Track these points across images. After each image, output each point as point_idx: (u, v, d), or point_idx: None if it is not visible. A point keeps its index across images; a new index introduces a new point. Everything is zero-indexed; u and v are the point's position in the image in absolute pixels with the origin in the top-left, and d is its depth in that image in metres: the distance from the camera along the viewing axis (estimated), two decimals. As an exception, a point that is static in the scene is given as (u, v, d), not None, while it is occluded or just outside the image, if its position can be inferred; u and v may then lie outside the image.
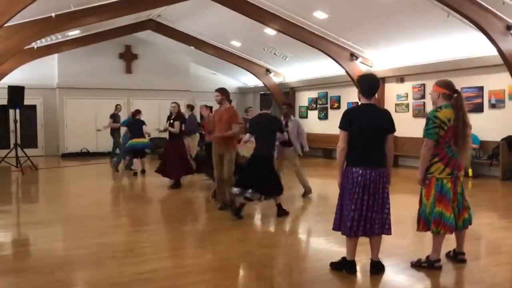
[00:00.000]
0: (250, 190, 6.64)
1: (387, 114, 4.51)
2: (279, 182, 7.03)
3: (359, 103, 4.52)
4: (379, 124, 4.37)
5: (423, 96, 13.23)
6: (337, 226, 4.49)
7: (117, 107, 15.70)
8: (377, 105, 4.58)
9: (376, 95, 4.56)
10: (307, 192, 8.60)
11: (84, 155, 18.05)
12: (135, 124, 12.32)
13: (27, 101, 14.40)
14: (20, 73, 15.80)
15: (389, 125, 4.43)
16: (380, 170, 4.33)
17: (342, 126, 4.40)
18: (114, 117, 15.29)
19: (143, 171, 12.29)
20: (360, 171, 4.29)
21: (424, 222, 4.57)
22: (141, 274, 4.48)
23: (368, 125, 4.33)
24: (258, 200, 6.86)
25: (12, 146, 13.73)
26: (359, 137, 4.33)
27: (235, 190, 6.77)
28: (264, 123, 7.01)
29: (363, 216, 4.28)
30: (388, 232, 4.41)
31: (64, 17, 11.80)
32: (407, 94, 13.80)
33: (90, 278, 4.51)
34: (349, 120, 4.38)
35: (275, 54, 16.03)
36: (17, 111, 13.78)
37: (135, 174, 12.10)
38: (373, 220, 4.31)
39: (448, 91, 4.53)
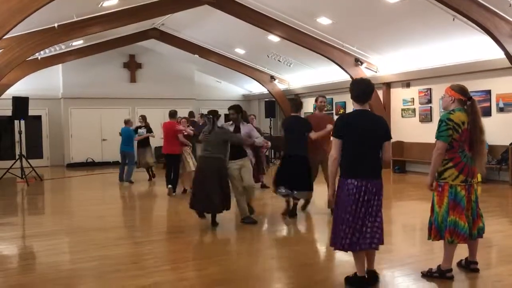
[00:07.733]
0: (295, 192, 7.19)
1: (381, 121, 4.30)
2: (311, 182, 7.34)
3: (352, 109, 4.31)
4: (374, 131, 4.17)
5: (429, 101, 13.09)
6: (332, 242, 4.27)
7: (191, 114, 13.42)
8: (371, 111, 4.35)
9: (370, 101, 4.36)
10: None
11: (90, 165, 18.03)
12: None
13: (32, 112, 14.42)
14: (24, 84, 15.85)
15: (384, 132, 4.23)
16: (375, 182, 4.14)
17: (334, 133, 4.23)
18: (193, 124, 12.37)
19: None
20: (356, 183, 4.08)
21: (436, 231, 4.43)
22: (144, 288, 4.38)
23: (361, 132, 4.13)
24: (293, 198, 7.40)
25: (17, 157, 13.71)
26: (353, 145, 4.13)
27: (282, 191, 7.24)
28: (297, 124, 7.41)
29: (359, 227, 4.08)
30: (380, 242, 4.18)
31: (67, 27, 11.84)
32: (413, 99, 13.67)
33: (92, 292, 4.42)
34: (342, 127, 4.19)
35: (279, 61, 15.97)
36: (22, 122, 13.78)
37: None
38: (368, 233, 4.10)
39: (464, 97, 4.42)
